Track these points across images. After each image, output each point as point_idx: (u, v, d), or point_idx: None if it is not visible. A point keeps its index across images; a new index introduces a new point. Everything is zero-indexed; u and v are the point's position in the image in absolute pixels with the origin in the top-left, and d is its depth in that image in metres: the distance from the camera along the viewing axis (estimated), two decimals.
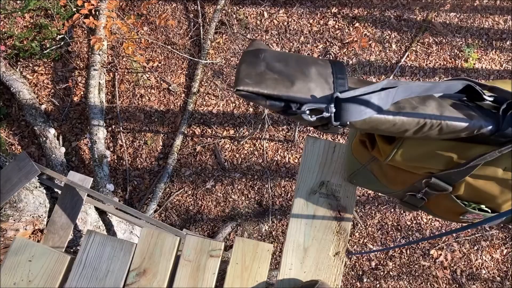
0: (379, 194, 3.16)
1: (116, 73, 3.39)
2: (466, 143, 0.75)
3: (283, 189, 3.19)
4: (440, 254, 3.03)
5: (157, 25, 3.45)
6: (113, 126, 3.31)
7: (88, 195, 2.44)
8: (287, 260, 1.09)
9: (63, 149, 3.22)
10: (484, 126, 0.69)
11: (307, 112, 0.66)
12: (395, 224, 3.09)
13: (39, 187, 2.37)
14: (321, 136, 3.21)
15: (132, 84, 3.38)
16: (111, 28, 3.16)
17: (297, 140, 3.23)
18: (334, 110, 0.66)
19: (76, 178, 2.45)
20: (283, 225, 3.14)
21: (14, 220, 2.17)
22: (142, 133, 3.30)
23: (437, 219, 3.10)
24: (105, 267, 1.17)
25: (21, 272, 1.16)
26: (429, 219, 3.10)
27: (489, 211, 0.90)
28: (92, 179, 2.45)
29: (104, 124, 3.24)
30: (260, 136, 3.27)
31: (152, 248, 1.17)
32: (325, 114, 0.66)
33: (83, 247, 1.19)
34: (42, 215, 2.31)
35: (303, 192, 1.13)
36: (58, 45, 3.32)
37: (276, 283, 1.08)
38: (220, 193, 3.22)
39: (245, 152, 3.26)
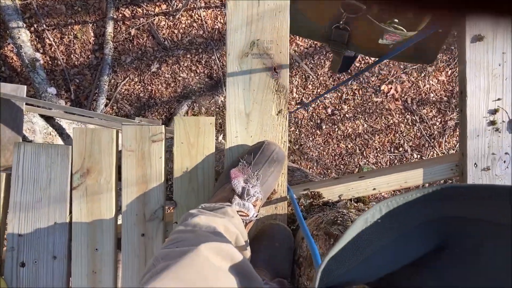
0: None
1: None
2: None
3: None
4: (391, 88, 3.14)
5: None
6: (35, 25, 3.03)
7: (27, 104, 2.31)
8: (231, 129, 1.07)
9: None
10: None
11: None
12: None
13: None
14: None
15: None
16: None
17: None
18: None
19: (7, 89, 2.29)
20: None
21: None
22: (69, 27, 3.04)
23: None
24: (46, 176, 1.12)
25: None
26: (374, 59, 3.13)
27: (404, 29, 1.07)
28: (26, 86, 2.29)
29: (25, 25, 2.96)
30: (195, 5, 3.07)
31: (89, 146, 1.11)
32: None
33: (16, 161, 1.12)
34: None
35: (234, 56, 1.07)
36: None
37: (225, 152, 1.07)
38: (168, 74, 3.12)
39: (183, 26, 3.09)
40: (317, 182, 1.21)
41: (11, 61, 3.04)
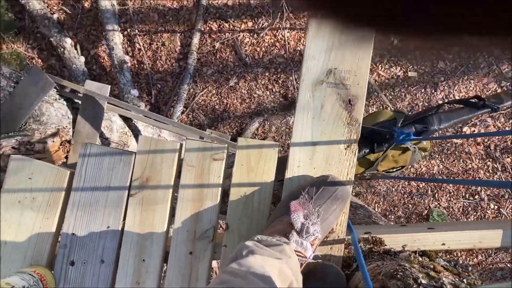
0: (408, 75, 3.03)
1: None
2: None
3: None
4: (474, 131, 2.97)
5: None
6: (129, 30, 3.20)
7: (108, 103, 2.43)
8: (294, 157, 1.01)
9: (82, 58, 3.18)
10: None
11: None
12: (426, 104, 3.01)
13: (59, 99, 2.37)
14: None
15: None
16: None
17: None
18: None
19: (93, 87, 2.43)
20: None
21: (40, 134, 2.21)
22: (159, 34, 3.19)
23: (470, 95, 2.98)
24: (106, 179, 1.11)
25: (23, 191, 1.12)
26: (462, 96, 2.98)
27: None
28: (110, 86, 2.42)
29: (119, 28, 3.14)
30: (280, 26, 3.11)
31: (152, 156, 1.10)
32: None
33: (80, 160, 1.12)
34: (66, 126, 2.34)
35: (308, 83, 1.01)
36: None
37: (284, 181, 1.01)
38: (244, 89, 3.17)
39: (266, 44, 3.14)
40: (380, 226, 1.13)
41: (102, 60, 3.23)
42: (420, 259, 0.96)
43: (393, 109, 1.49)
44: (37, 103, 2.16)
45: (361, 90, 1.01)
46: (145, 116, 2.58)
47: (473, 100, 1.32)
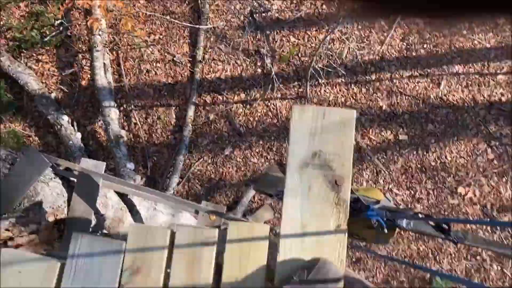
0: (399, 138, 3.11)
1: (120, 51, 3.35)
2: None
3: None
4: (468, 191, 3.00)
5: None
6: (125, 105, 3.30)
7: (105, 179, 2.44)
8: (285, 240, 1.01)
9: (79, 135, 3.24)
10: None
11: None
12: (419, 166, 3.05)
13: (54, 178, 2.37)
14: (308, 102, 3.15)
15: (136, 60, 3.34)
16: (106, 6, 3.09)
17: (309, 95, 3.17)
18: None
19: (89, 165, 2.44)
20: None
21: (35, 214, 2.20)
22: (154, 109, 3.28)
23: (461, 156, 3.04)
24: (97, 269, 1.10)
25: (14, 285, 1.10)
26: (453, 157, 3.04)
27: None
28: (105, 163, 2.44)
29: (115, 105, 3.23)
30: (272, 96, 3.22)
31: (143, 244, 1.10)
32: None
33: (71, 251, 1.11)
34: (61, 205, 2.33)
35: (295, 166, 1.04)
36: (58, 31, 3.28)
37: (277, 266, 1.01)
38: (240, 158, 3.21)
39: (259, 114, 3.23)
40: None
41: (99, 136, 3.30)
42: None
43: (385, 194, 1.60)
44: (32, 184, 2.17)
45: (346, 171, 1.04)
46: (140, 191, 2.59)
47: (444, 226, 1.44)
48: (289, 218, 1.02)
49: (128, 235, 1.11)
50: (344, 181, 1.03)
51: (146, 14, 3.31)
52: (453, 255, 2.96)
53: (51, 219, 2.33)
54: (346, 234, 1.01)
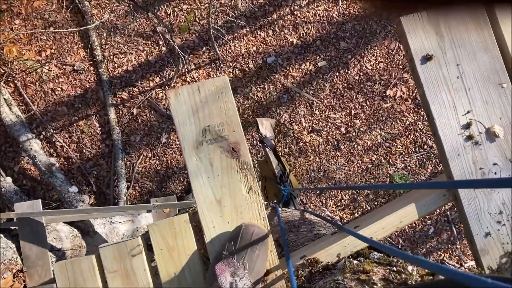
0: (319, 66, 3.14)
1: (16, 81, 3.14)
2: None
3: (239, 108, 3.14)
4: (396, 90, 3.11)
5: (26, 12, 3.13)
6: (44, 132, 3.13)
7: (46, 215, 2.34)
8: (206, 220, 1.03)
9: (9, 179, 3.06)
10: None
11: None
12: (345, 85, 3.12)
13: None
14: (222, 63, 3.12)
15: (37, 83, 3.14)
16: None
17: (221, 55, 3.12)
18: None
19: (24, 208, 2.34)
20: (249, 139, 3.14)
21: None
22: (74, 125, 3.14)
23: (380, 61, 3.13)
24: None
25: None
26: (373, 64, 3.13)
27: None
28: (40, 200, 2.34)
29: (34, 135, 3.06)
30: (186, 69, 3.15)
31: (73, 279, 1.09)
32: None
33: None
34: (12, 257, 2.23)
35: (190, 148, 1.05)
36: None
37: (207, 247, 1.03)
38: (178, 141, 3.16)
39: None
40: (314, 243, 1.11)
41: (29, 172, 3.13)
42: (356, 262, 0.97)
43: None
44: None
45: (239, 135, 1.06)
46: (84, 213, 2.50)
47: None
48: (203, 199, 1.04)
49: (55, 274, 1.09)
50: (240, 145, 1.06)
51: (27, 33, 3.09)
52: (403, 153, 3.10)
53: (7, 275, 2.23)
54: (259, 191, 1.04)
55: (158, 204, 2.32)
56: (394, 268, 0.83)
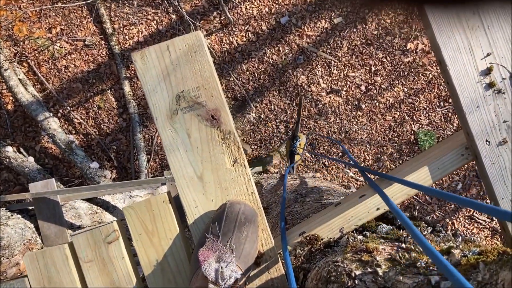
0: (335, 23, 3.02)
1: (29, 60, 3.12)
2: None
3: (247, 72, 3.06)
4: (417, 43, 2.97)
5: None
6: (61, 110, 3.13)
7: (61, 193, 2.34)
8: (187, 199, 0.91)
9: (31, 159, 3.09)
10: None
11: None
12: (363, 41, 2.99)
13: (11, 216, 2.27)
14: (234, 27, 3.01)
15: (50, 61, 3.12)
16: None
17: (232, 18, 3.02)
18: None
19: (38, 187, 2.33)
20: (266, 104, 3.07)
21: (8, 258, 2.10)
22: (90, 100, 3.12)
23: (399, 13, 2.98)
24: None
25: None
26: (392, 17, 2.98)
27: None
28: (53, 178, 2.33)
29: (51, 114, 3.06)
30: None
31: (45, 270, 1.00)
32: None
33: None
34: (32, 237, 2.25)
35: (163, 118, 0.91)
36: None
37: (190, 229, 0.91)
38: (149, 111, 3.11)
39: None
40: (314, 217, 0.98)
41: (50, 151, 3.15)
42: (360, 237, 0.85)
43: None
44: None
45: (218, 101, 0.91)
46: (99, 190, 2.49)
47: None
48: (182, 176, 0.91)
49: (26, 265, 1.00)
50: (220, 112, 0.90)
51: (35, 11, 3.05)
52: (428, 108, 2.98)
53: None
54: (246, 163, 0.90)
55: (170, 177, 2.29)
56: (403, 245, 0.74)
